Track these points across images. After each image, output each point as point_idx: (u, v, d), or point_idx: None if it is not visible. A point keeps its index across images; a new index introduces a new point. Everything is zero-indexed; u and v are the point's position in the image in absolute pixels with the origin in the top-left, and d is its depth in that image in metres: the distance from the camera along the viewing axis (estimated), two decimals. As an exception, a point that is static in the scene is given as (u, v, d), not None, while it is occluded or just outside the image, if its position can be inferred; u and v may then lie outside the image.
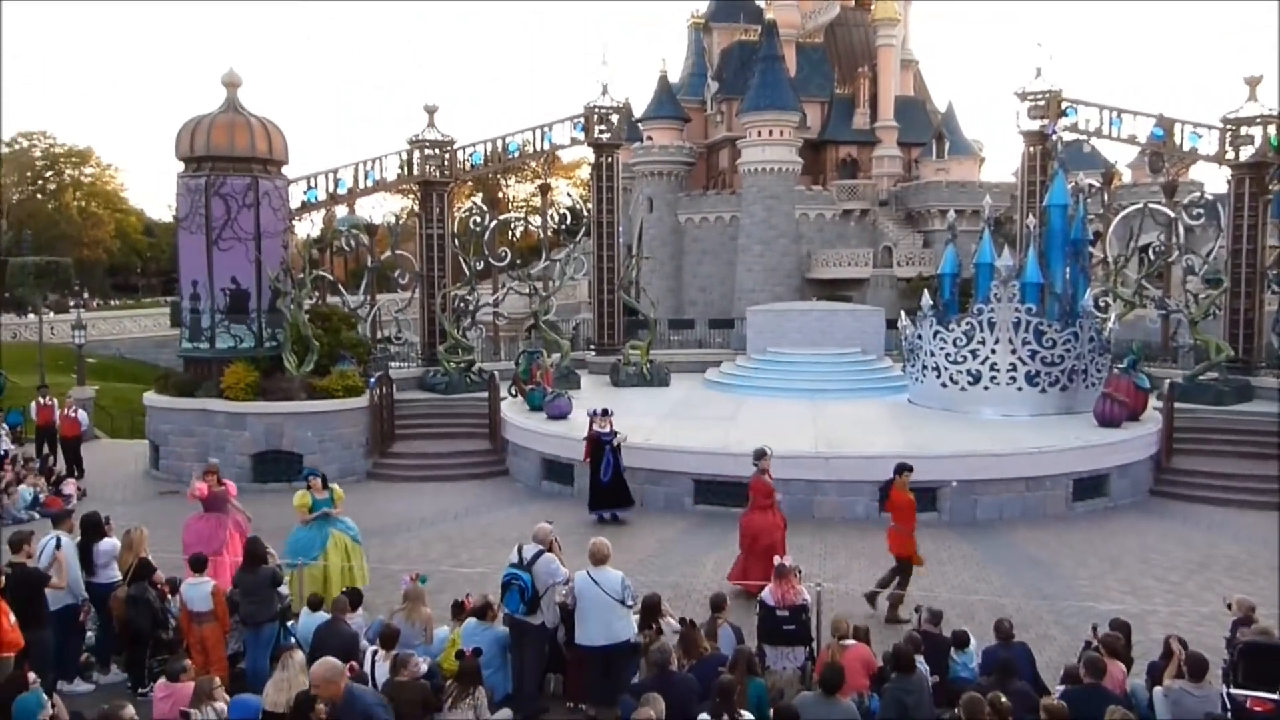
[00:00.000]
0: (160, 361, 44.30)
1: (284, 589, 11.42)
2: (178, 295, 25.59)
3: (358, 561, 13.55)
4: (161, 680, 9.31)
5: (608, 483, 18.66)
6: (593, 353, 32.27)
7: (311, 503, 13.30)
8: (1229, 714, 9.01)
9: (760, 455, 14.77)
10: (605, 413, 19.02)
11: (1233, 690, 9.42)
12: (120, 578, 11.47)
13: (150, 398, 24.47)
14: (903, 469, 14.30)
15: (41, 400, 24.60)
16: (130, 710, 7.70)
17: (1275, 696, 9.27)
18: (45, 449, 24.08)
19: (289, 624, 11.11)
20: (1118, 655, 10.09)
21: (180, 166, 24.11)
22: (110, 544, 11.73)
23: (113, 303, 77.84)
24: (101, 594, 11.47)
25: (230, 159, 23.60)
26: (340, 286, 28.45)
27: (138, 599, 10.89)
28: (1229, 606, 10.76)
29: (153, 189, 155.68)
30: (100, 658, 11.67)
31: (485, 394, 24.99)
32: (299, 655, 9.50)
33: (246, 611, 10.82)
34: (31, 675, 8.42)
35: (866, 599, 13.81)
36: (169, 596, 11.51)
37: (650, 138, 63.76)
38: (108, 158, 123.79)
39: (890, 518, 14.27)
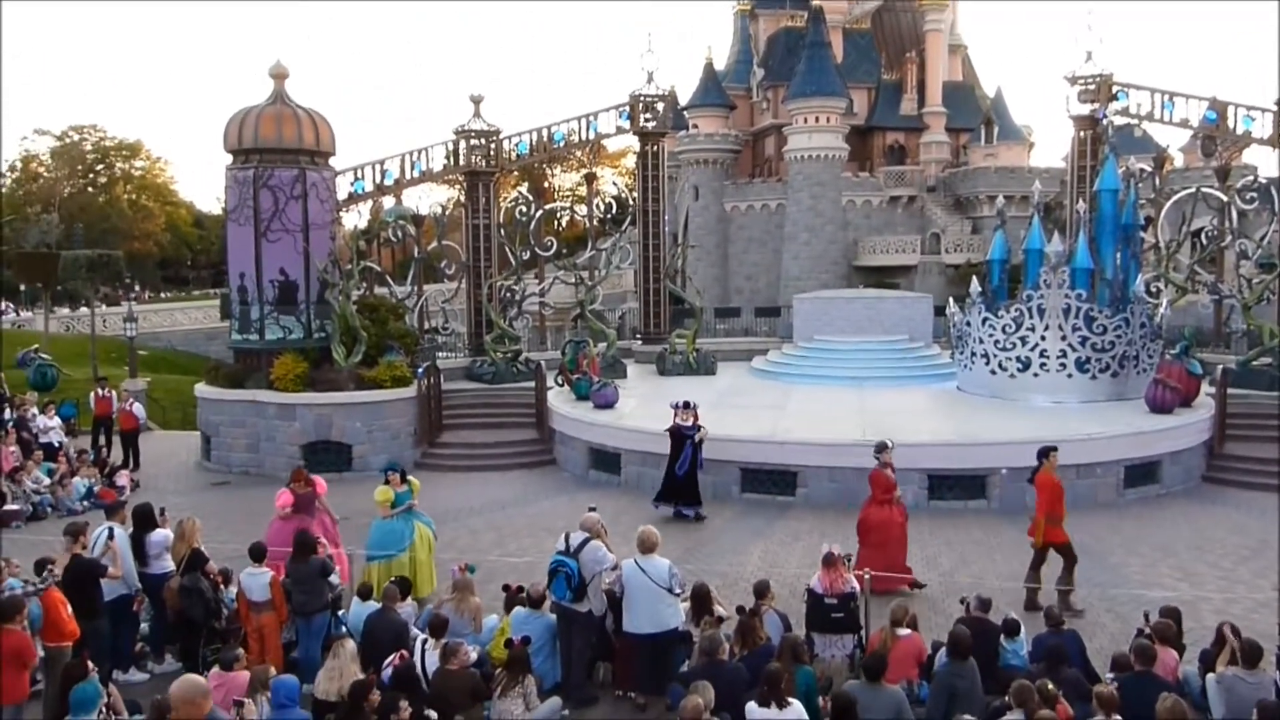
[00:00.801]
0: (211, 353, 45.00)
1: (334, 579, 11.57)
2: (227, 287, 25.91)
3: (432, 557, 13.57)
4: (215, 669, 9.49)
5: (682, 477, 17.99)
6: (639, 342, 32.27)
7: (394, 497, 13.25)
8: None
9: (881, 448, 14.39)
10: (688, 405, 18.24)
11: (1287, 677, 9.30)
12: (173, 568, 11.64)
13: (201, 389, 24.81)
14: (1049, 451, 13.79)
15: (100, 392, 25.05)
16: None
17: (1332, 685, 9.13)
18: (101, 440, 24.52)
19: (340, 613, 11.26)
20: (1169, 642, 9.99)
21: (228, 159, 24.40)
22: (162, 535, 11.91)
23: (164, 295, 79.21)
24: (154, 585, 11.67)
25: (278, 151, 23.77)
26: (387, 277, 28.66)
27: (191, 589, 11.06)
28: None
29: (202, 182, 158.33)
30: (154, 647, 11.85)
31: (532, 383, 25.11)
32: (350, 644, 9.67)
33: (298, 601, 10.96)
34: (90, 664, 8.61)
35: (1060, 596, 12.97)
36: (222, 586, 11.69)
37: (696, 125, 63.59)
38: (157, 151, 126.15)
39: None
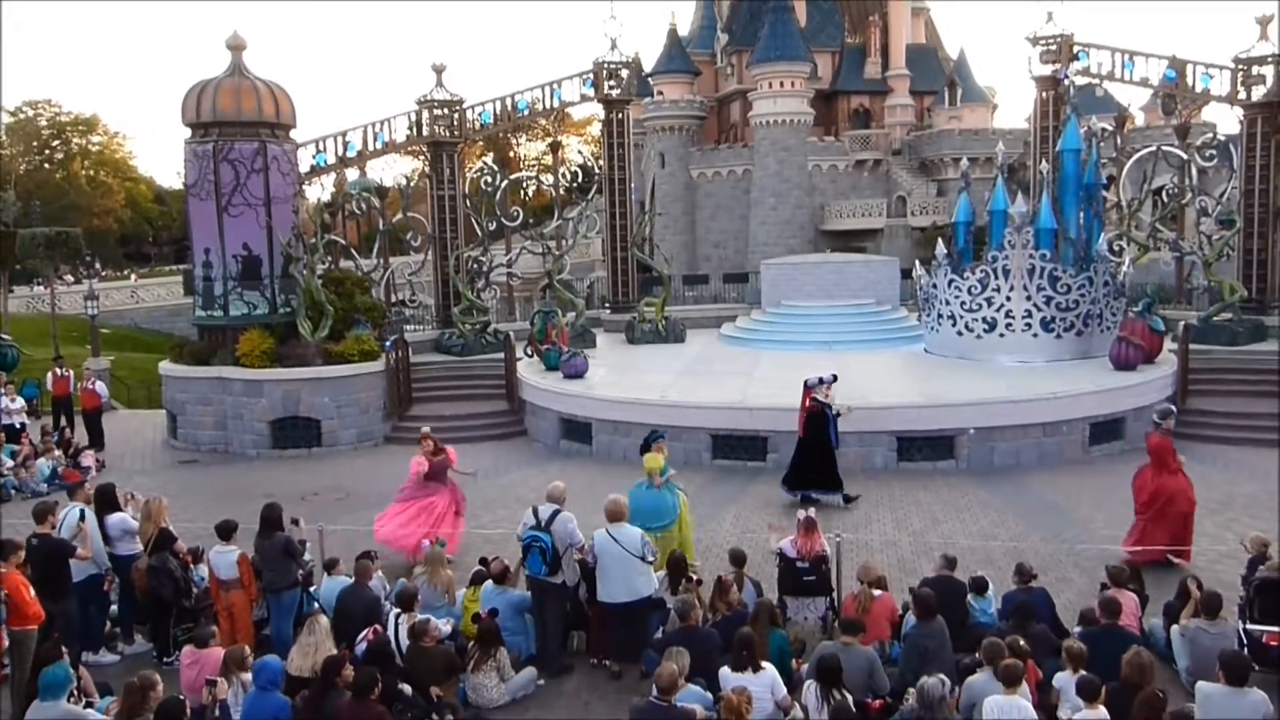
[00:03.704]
0: (175, 330, 44.55)
1: (307, 555, 11.50)
2: (190, 263, 25.60)
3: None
4: (188, 647, 9.44)
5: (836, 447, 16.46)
6: (608, 311, 32.26)
7: (662, 466, 12.72)
8: (1245, 649, 9.08)
9: (1166, 414, 13.80)
10: (835, 379, 16.75)
11: (1249, 626, 9.52)
12: (137, 549, 11.48)
13: (166, 367, 24.58)
14: None
15: (58, 371, 24.73)
16: (157, 678, 7.84)
17: (1291, 631, 9.37)
18: (61, 421, 24.21)
19: (312, 589, 11.20)
20: (1124, 585, 10.18)
21: (187, 133, 24.04)
22: (119, 519, 11.70)
23: (126, 272, 78.11)
24: (118, 566, 11.51)
25: (237, 124, 23.44)
26: (353, 250, 28.44)
27: (159, 569, 10.93)
28: (1244, 546, 10.82)
29: (162, 156, 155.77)
30: (124, 628, 11.74)
31: (501, 355, 25.04)
32: (324, 620, 9.63)
33: (266, 579, 10.89)
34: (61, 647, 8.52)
35: None
36: (191, 565, 11.58)
37: (661, 92, 63.17)
38: (115, 125, 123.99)
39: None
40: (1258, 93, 25.88)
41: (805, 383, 16.67)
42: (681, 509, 12.74)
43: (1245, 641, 9.35)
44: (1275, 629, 9.44)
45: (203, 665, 8.94)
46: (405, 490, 14.12)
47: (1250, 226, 26.20)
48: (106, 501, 11.80)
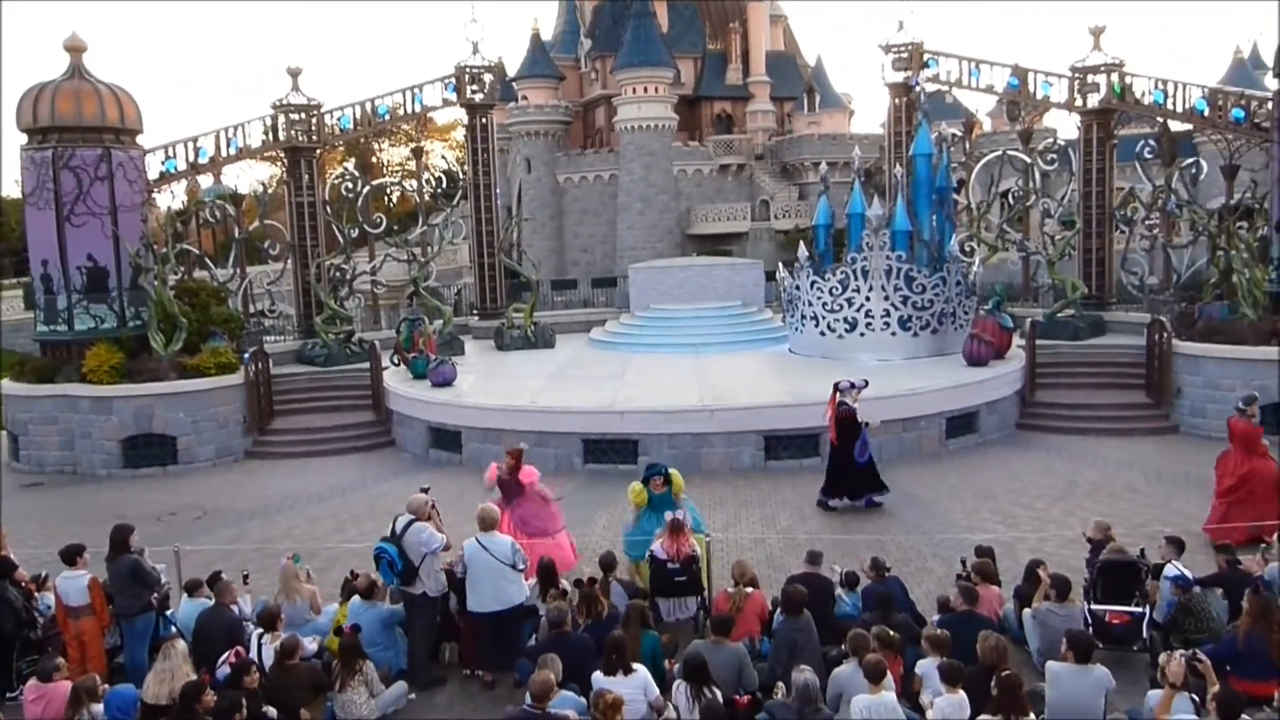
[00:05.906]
0: (16, 347, 42.13)
1: (166, 580, 11.02)
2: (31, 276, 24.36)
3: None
4: (32, 681, 8.95)
5: (865, 465, 16.12)
6: (476, 317, 31.97)
7: (648, 497, 12.50)
8: (1090, 628, 9.58)
9: (1250, 401, 13.89)
10: (866, 384, 16.42)
11: (1093, 607, 10.04)
12: None
13: (6, 385, 23.31)
14: None
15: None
16: (-1, 715, 7.43)
17: (1130, 609, 9.93)
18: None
19: (169, 612, 10.74)
20: (990, 579, 10.63)
21: (23, 138, 22.86)
22: None
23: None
24: None
25: (79, 129, 22.44)
26: (207, 260, 27.47)
27: (-3, 599, 10.33)
28: (1085, 535, 11.40)
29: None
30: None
31: (367, 364, 24.56)
32: (181, 645, 9.26)
33: (117, 604, 10.40)
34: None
35: None
36: (35, 594, 10.97)
37: (525, 97, 62.94)
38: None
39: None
40: (1093, 100, 27.32)
41: (836, 386, 16.28)
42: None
43: (1090, 621, 9.86)
44: (1117, 608, 9.99)
45: (49, 699, 8.50)
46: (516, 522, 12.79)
47: (1089, 227, 27.67)
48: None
